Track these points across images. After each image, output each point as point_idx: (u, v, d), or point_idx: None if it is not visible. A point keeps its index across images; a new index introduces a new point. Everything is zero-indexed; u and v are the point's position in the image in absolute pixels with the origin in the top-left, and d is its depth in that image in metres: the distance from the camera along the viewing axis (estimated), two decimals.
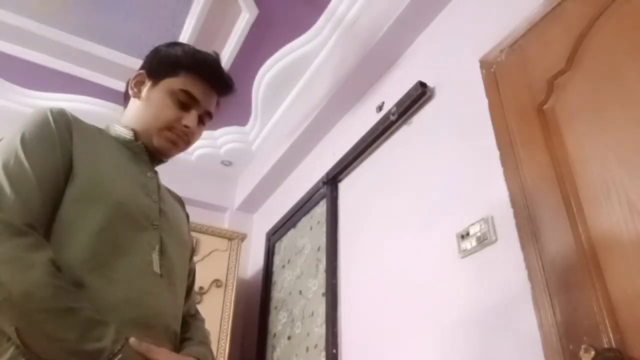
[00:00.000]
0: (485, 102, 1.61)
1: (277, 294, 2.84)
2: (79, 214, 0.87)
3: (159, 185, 1.07)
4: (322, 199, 2.58)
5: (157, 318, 0.90)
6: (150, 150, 1.08)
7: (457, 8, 1.96)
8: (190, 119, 1.08)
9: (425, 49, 2.09)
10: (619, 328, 1.06)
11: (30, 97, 3.02)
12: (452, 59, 1.88)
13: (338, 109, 2.58)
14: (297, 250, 2.75)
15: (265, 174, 3.16)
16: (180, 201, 1.22)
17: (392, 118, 2.06)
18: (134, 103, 1.11)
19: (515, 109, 1.49)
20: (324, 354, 2.10)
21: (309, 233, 2.66)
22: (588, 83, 1.29)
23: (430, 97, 1.94)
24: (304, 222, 2.77)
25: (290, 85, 2.85)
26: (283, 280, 2.80)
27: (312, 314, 2.36)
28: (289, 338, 2.52)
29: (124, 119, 1.11)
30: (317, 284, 2.40)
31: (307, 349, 2.30)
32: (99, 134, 1.03)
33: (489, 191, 1.51)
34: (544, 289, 1.24)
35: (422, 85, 1.93)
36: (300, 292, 2.55)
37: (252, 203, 3.48)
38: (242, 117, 3.20)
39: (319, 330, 2.23)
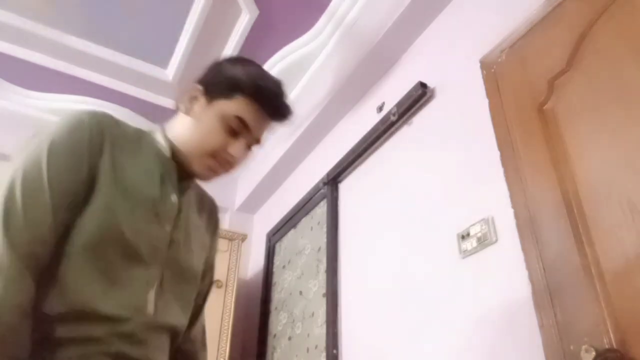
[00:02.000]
0: (485, 102, 1.61)
1: (277, 294, 2.83)
2: (85, 242, 0.84)
3: (180, 209, 1.00)
4: (322, 199, 2.58)
5: None
6: (185, 170, 1.01)
7: (457, 8, 1.96)
8: (238, 147, 1.00)
9: (426, 50, 2.09)
10: (619, 328, 1.06)
11: (31, 97, 3.02)
12: (452, 59, 1.88)
13: (338, 110, 2.58)
14: (297, 251, 2.74)
15: (266, 174, 3.16)
16: (212, 211, 1.16)
17: (393, 118, 2.06)
18: (182, 118, 1.04)
19: (515, 109, 1.49)
20: (324, 354, 2.10)
21: (310, 233, 2.66)
22: (588, 83, 1.29)
23: (430, 98, 1.94)
24: (305, 223, 2.77)
25: (290, 85, 2.85)
26: (283, 281, 2.80)
27: (313, 314, 2.35)
28: (289, 339, 2.52)
29: (169, 131, 1.04)
30: (317, 284, 2.40)
31: (308, 350, 2.30)
32: (136, 143, 0.98)
33: (489, 191, 1.51)
34: (544, 289, 1.24)
35: (422, 85, 1.93)
36: (301, 293, 2.55)
37: (252, 203, 3.48)
38: None
39: (320, 330, 2.23)
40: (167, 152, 1.00)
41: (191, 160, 1.00)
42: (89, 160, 0.87)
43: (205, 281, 1.13)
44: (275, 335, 2.68)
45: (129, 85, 2.96)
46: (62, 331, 0.79)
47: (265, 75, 1.06)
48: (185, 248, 1.00)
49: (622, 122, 1.18)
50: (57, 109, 3.06)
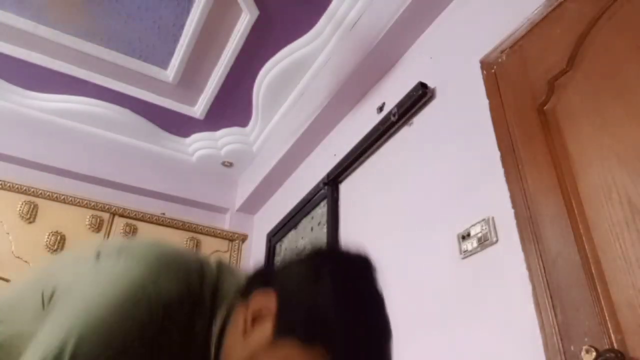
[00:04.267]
0: (486, 102, 1.61)
1: None
2: None
3: None
4: (322, 200, 2.58)
5: None
6: None
7: (457, 9, 1.96)
8: None
9: (426, 50, 2.09)
10: (620, 329, 1.06)
11: (31, 98, 3.03)
12: (452, 59, 1.88)
13: (339, 110, 2.58)
14: (297, 251, 2.74)
15: (266, 175, 3.16)
16: None
17: (393, 119, 2.06)
18: (235, 338, 0.69)
19: (516, 109, 1.49)
20: None
21: (310, 234, 2.66)
22: (589, 83, 1.29)
23: (431, 98, 1.94)
24: (305, 223, 2.77)
25: (290, 86, 2.85)
26: None
27: None
28: None
29: (225, 348, 0.70)
30: None
31: None
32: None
33: (489, 192, 1.51)
34: (545, 289, 1.23)
35: (422, 86, 1.93)
36: None
37: (252, 204, 3.48)
38: (242, 118, 3.20)
39: None
40: None
41: None
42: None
43: None
44: None
45: (129, 86, 2.96)
46: None
47: (376, 325, 0.75)
48: None
49: (622, 122, 1.18)
50: (57, 110, 3.07)
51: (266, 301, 0.70)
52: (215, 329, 0.71)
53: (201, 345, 0.70)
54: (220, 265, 0.77)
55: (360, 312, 0.72)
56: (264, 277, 0.77)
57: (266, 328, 0.67)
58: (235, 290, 0.75)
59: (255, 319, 0.69)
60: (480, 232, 1.49)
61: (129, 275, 0.63)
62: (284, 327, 0.66)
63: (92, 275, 0.65)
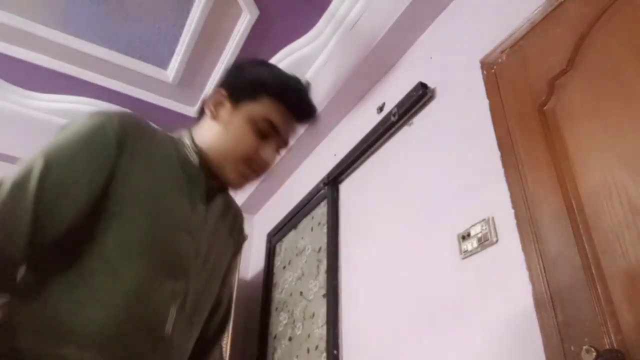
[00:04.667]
0: (486, 102, 1.61)
1: (277, 295, 2.83)
2: (99, 265, 0.79)
3: (206, 220, 0.97)
4: (323, 200, 2.58)
5: None
6: (215, 177, 0.99)
7: (457, 9, 1.96)
8: (269, 150, 1.00)
9: (426, 50, 2.09)
10: (620, 329, 1.06)
11: (31, 98, 3.02)
12: (452, 59, 1.88)
13: (339, 110, 2.58)
14: (297, 252, 2.74)
15: (266, 175, 3.15)
16: (237, 221, 1.12)
17: (393, 119, 2.06)
18: (209, 124, 1.02)
19: (516, 109, 1.49)
20: (324, 355, 2.10)
21: (310, 234, 2.66)
22: (589, 83, 1.29)
23: (431, 98, 1.94)
24: (305, 223, 2.77)
25: None
26: (284, 282, 2.80)
27: (313, 315, 2.35)
28: (289, 339, 2.52)
29: (197, 136, 1.01)
30: (317, 285, 2.40)
31: (308, 350, 2.30)
32: (162, 148, 0.93)
33: (489, 192, 1.51)
34: (545, 289, 1.23)
35: (422, 86, 1.93)
36: (301, 293, 2.55)
37: (252, 204, 3.48)
38: None
39: (320, 331, 2.23)
40: (195, 161, 0.97)
41: (224, 167, 0.98)
42: (108, 168, 0.82)
43: (219, 311, 1.08)
44: (275, 336, 2.68)
45: (130, 86, 2.96)
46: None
47: (291, 77, 1.04)
48: (211, 260, 0.97)
49: (622, 122, 1.18)
50: (57, 110, 3.06)
51: (219, 94, 1.02)
52: (186, 140, 1.00)
53: (179, 142, 0.99)
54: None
55: (283, 73, 1.05)
56: (207, 96, 1.07)
57: (226, 105, 1.00)
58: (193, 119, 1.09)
59: (216, 107, 1.01)
60: (481, 232, 1.49)
61: (68, 131, 0.85)
62: (238, 97, 1.00)
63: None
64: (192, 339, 0.95)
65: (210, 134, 1.00)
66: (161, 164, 0.92)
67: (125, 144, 0.85)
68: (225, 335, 2.62)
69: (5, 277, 0.74)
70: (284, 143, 1.04)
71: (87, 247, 0.80)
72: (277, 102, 0.99)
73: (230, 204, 1.10)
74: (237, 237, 1.13)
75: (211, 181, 0.99)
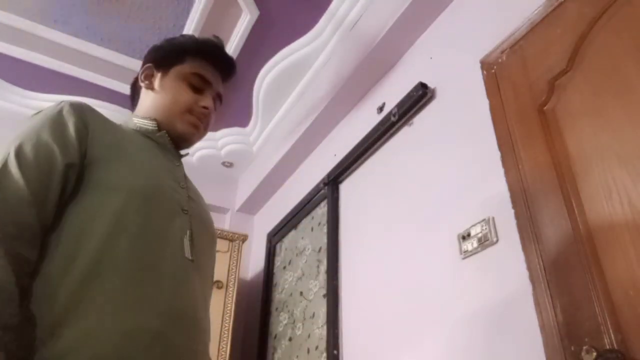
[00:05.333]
0: (486, 103, 1.61)
1: (278, 295, 2.83)
2: (102, 203, 0.85)
3: (185, 175, 1.08)
4: (323, 200, 2.58)
5: (188, 310, 0.87)
6: (173, 138, 1.09)
7: (457, 9, 1.96)
8: (207, 99, 1.12)
9: (426, 50, 2.09)
10: (620, 329, 1.06)
11: (30, 98, 3.02)
12: (452, 59, 1.88)
13: (339, 110, 2.58)
14: (298, 252, 2.74)
15: (266, 175, 3.16)
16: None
17: (393, 119, 2.06)
18: (147, 95, 1.13)
19: (516, 109, 1.49)
20: (325, 355, 2.10)
21: (310, 234, 2.66)
22: (589, 84, 1.29)
23: (431, 98, 1.94)
24: (305, 223, 2.77)
25: (291, 86, 2.85)
26: (284, 282, 2.80)
27: (313, 315, 2.35)
28: (289, 339, 2.52)
29: (140, 112, 1.12)
30: (318, 285, 2.40)
31: (308, 351, 2.30)
32: (119, 127, 1.03)
33: (490, 192, 1.51)
34: (545, 289, 1.23)
35: (423, 86, 1.93)
36: (301, 294, 2.55)
37: (253, 204, 3.48)
38: (243, 119, 3.20)
39: (320, 331, 2.23)
40: (152, 125, 1.07)
41: (174, 123, 1.08)
42: (78, 141, 0.89)
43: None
44: (275, 336, 2.68)
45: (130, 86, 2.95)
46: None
47: (204, 37, 1.20)
48: (200, 205, 1.07)
49: (622, 122, 1.18)
50: None
51: (147, 68, 1.15)
52: (134, 118, 1.10)
53: (129, 121, 1.09)
54: None
55: (203, 38, 1.19)
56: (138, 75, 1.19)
57: (157, 75, 1.13)
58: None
59: (147, 79, 1.14)
60: (481, 232, 1.49)
61: (29, 127, 0.90)
62: (165, 65, 1.13)
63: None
64: (210, 272, 1.04)
65: (152, 102, 1.11)
66: (125, 133, 1.01)
67: (86, 116, 0.93)
68: (226, 335, 2.62)
69: (32, 245, 0.78)
70: (217, 96, 1.17)
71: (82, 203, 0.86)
72: (199, 58, 1.13)
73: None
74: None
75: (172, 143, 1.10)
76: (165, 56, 1.14)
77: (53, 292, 0.76)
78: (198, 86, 1.11)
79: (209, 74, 1.13)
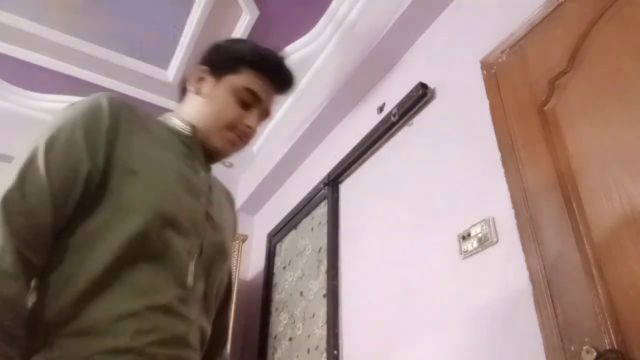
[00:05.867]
0: (486, 103, 1.61)
1: (278, 295, 2.83)
2: (113, 223, 0.81)
3: (210, 187, 1.02)
4: (323, 200, 2.58)
5: (177, 341, 0.83)
6: (207, 148, 1.03)
7: (457, 9, 1.96)
8: (253, 118, 1.05)
9: (426, 50, 2.09)
10: (620, 329, 1.06)
11: (30, 98, 3.02)
12: (453, 60, 1.88)
13: (339, 110, 2.58)
14: (298, 252, 2.74)
15: (266, 175, 3.16)
16: (229, 198, 1.18)
17: (393, 119, 2.06)
18: (193, 99, 1.07)
19: (516, 109, 1.49)
20: (325, 355, 2.10)
21: (310, 234, 2.66)
22: (589, 84, 1.29)
23: (431, 98, 1.94)
24: (305, 224, 2.77)
25: None
26: (284, 282, 2.80)
27: (313, 315, 2.35)
28: (290, 339, 2.52)
29: (182, 113, 1.06)
30: (318, 285, 2.40)
31: (308, 351, 2.30)
32: (154, 125, 0.98)
33: (490, 192, 1.51)
34: (545, 289, 1.23)
35: (423, 86, 1.93)
36: (301, 294, 2.55)
37: (253, 204, 3.48)
38: None
39: (320, 331, 2.23)
40: (187, 130, 1.02)
41: (212, 136, 1.02)
42: (106, 146, 0.85)
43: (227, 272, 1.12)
44: (275, 336, 2.68)
45: (130, 86, 2.96)
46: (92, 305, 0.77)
47: (266, 48, 1.10)
48: (219, 222, 1.01)
49: (622, 122, 1.18)
50: (57, 110, 3.05)
51: (200, 70, 1.07)
52: (173, 118, 1.04)
53: (167, 120, 1.04)
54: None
55: (266, 49, 1.10)
56: (189, 72, 1.11)
57: (208, 79, 1.05)
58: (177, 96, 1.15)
59: (199, 83, 1.06)
60: (481, 232, 1.49)
61: (62, 116, 0.87)
62: (219, 71, 1.05)
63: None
64: (214, 296, 1.00)
65: (196, 108, 1.05)
66: (158, 134, 0.97)
67: (120, 117, 0.89)
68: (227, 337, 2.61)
69: (41, 251, 0.77)
70: (265, 113, 1.10)
71: (96, 209, 0.83)
72: (256, 72, 1.05)
73: (221, 184, 1.16)
74: (234, 212, 1.19)
75: (204, 152, 1.05)
76: (221, 63, 1.06)
77: (49, 304, 0.76)
78: (247, 101, 1.04)
79: (262, 90, 1.05)
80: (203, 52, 1.12)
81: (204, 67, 1.07)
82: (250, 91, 1.04)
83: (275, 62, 1.09)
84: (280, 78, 1.10)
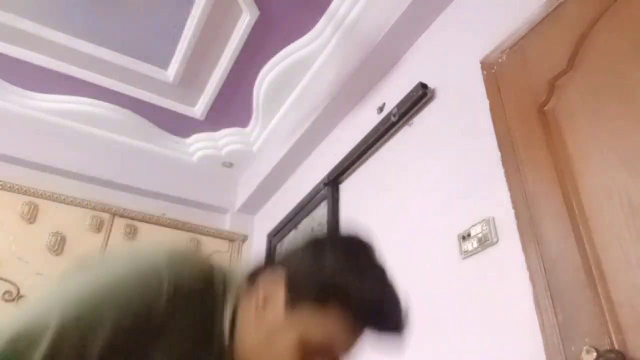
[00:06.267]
0: (486, 103, 1.61)
1: None
2: None
3: None
4: (323, 200, 2.58)
5: None
6: None
7: (458, 9, 1.96)
8: None
9: (426, 50, 2.09)
10: (620, 329, 1.06)
11: (31, 98, 3.03)
12: (453, 60, 1.88)
13: (339, 110, 2.58)
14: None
15: (267, 175, 3.16)
16: None
17: (393, 119, 2.06)
18: (252, 316, 0.74)
19: (516, 110, 1.49)
20: None
21: (310, 234, 2.66)
22: (589, 84, 1.29)
23: (431, 98, 1.94)
24: (305, 224, 2.77)
25: (291, 86, 2.85)
26: None
27: None
28: None
29: (238, 322, 0.74)
30: None
31: None
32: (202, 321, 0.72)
33: (490, 192, 1.51)
34: (545, 290, 1.23)
35: (423, 86, 1.93)
36: None
37: (253, 204, 3.48)
38: (243, 119, 3.20)
39: None
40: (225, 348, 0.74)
41: None
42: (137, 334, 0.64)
43: None
44: None
45: (130, 86, 2.96)
46: None
47: (384, 283, 0.80)
48: None
49: (622, 123, 1.18)
50: (57, 110, 3.07)
51: (274, 281, 0.74)
52: (227, 317, 0.74)
53: (218, 334, 0.73)
54: (223, 264, 0.80)
55: (383, 285, 0.79)
56: (268, 265, 0.81)
57: (278, 304, 0.72)
58: (241, 280, 0.79)
59: (266, 299, 0.74)
60: (481, 232, 1.49)
61: (109, 277, 0.67)
62: (296, 296, 0.72)
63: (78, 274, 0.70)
64: None
65: (248, 334, 0.74)
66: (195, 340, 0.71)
67: (171, 293, 0.67)
68: None
69: None
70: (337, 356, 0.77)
71: None
72: (350, 318, 0.72)
73: None
74: None
75: None
76: (308, 287, 0.73)
77: None
78: (316, 353, 0.73)
79: (344, 345, 0.75)
80: (300, 247, 0.80)
81: (282, 286, 0.74)
82: (326, 345, 0.73)
83: (387, 317, 0.81)
84: (383, 333, 0.82)
